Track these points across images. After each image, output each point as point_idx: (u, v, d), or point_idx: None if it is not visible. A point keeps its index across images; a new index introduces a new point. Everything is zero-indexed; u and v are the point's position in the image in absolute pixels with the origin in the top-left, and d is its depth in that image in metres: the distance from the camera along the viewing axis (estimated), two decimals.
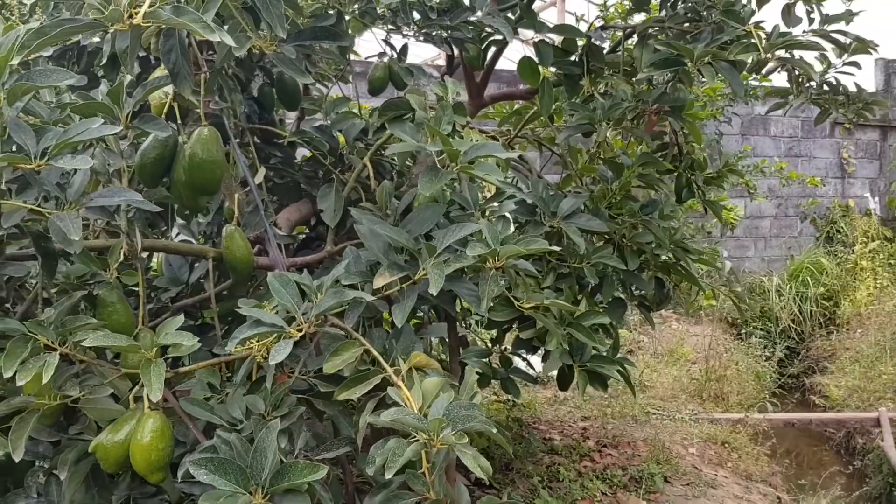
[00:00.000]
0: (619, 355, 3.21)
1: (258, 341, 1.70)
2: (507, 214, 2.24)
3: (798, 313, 7.77)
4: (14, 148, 1.48)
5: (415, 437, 1.52)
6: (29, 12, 2.40)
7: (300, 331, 1.64)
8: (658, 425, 4.73)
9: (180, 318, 1.65)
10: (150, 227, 2.71)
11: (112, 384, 1.73)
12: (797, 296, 7.90)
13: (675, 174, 3.54)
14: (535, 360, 4.45)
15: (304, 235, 3.06)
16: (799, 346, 7.58)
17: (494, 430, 1.58)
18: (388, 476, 1.44)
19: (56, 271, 1.75)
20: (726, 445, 4.48)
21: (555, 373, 2.93)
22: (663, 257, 3.23)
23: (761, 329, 7.52)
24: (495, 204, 2.20)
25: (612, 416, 4.88)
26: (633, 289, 3.39)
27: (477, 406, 1.60)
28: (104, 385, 1.67)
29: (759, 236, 9.31)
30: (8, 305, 1.95)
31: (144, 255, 2.67)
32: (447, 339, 2.65)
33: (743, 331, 7.34)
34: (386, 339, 1.89)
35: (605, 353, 2.91)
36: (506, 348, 3.35)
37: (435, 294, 1.74)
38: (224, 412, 1.73)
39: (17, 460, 1.56)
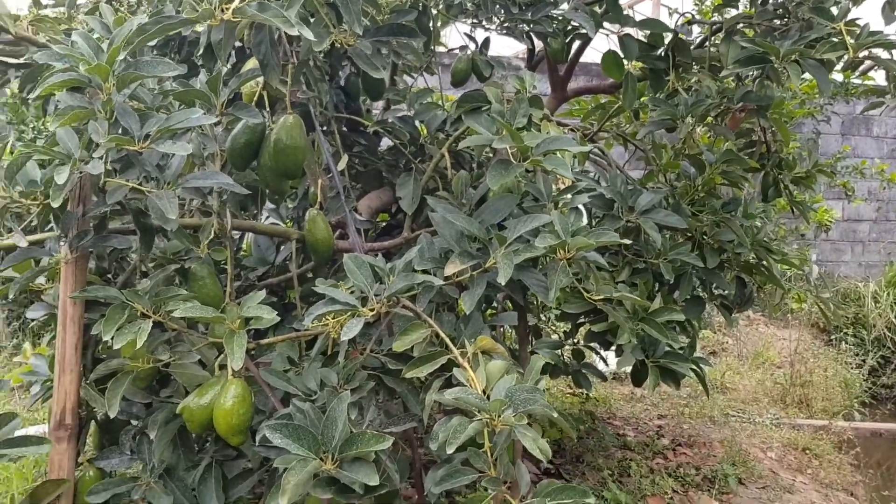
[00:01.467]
0: (698, 355, 3.19)
1: (333, 318, 1.79)
2: (581, 207, 2.27)
3: (895, 321, 7.42)
4: (120, 131, 1.62)
5: (477, 416, 1.59)
6: (136, 4, 2.57)
7: (372, 310, 1.73)
8: (736, 427, 4.65)
9: (262, 293, 1.77)
10: (242, 210, 2.87)
11: (200, 351, 1.87)
12: (895, 303, 7.55)
13: (762, 173, 3.48)
14: (611, 356, 4.45)
15: (385, 223, 3.17)
16: (894, 355, 7.24)
17: (555, 415, 1.63)
18: (450, 451, 1.50)
19: (153, 246, 1.89)
20: (807, 452, 4.36)
21: (630, 369, 2.94)
22: (746, 257, 3.18)
23: (853, 336, 7.23)
24: (568, 196, 2.23)
25: (690, 416, 4.81)
26: (714, 288, 3.35)
27: (539, 391, 1.65)
28: (192, 352, 1.80)
29: (856, 240, 8.92)
30: (110, 275, 2.12)
31: (237, 234, 2.83)
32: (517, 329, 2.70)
33: (833, 337, 7.07)
34: (455, 324, 1.96)
35: (679, 351, 2.91)
36: (578, 341, 3.37)
37: (503, 283, 1.80)
38: (300, 383, 1.84)
39: (112, 416, 1.71)
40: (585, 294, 2.17)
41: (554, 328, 4.12)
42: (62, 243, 1.76)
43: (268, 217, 3.11)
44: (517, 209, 2.19)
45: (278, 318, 1.71)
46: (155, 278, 1.80)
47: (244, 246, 3.07)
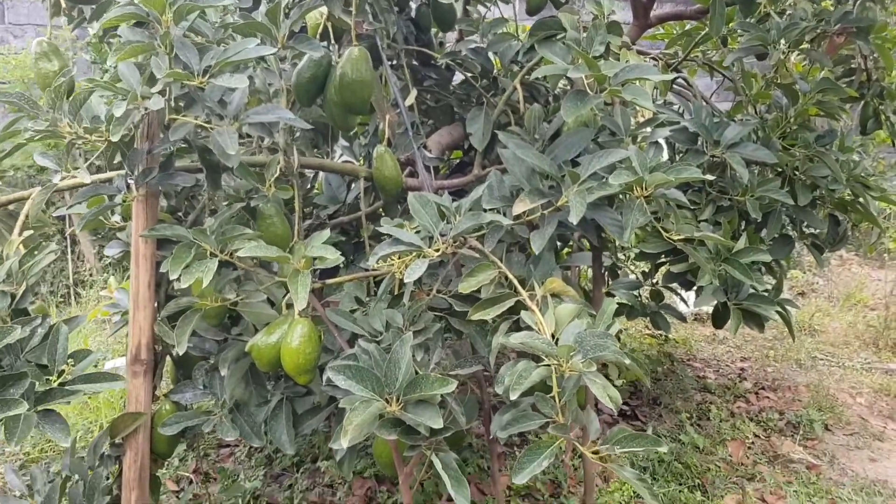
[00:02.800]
0: (785, 297, 3.04)
1: (399, 259, 1.75)
2: (661, 141, 2.14)
3: None
4: (181, 66, 1.59)
5: (545, 361, 1.53)
6: None
7: (437, 251, 1.67)
8: (824, 371, 4.46)
9: (327, 232, 1.73)
10: (314, 148, 2.85)
11: (267, 290, 1.87)
12: None
13: (862, 103, 3.23)
14: (692, 296, 4.30)
15: (458, 160, 3.10)
16: None
17: (627, 361, 1.56)
18: (513, 397, 1.46)
19: (220, 183, 1.88)
20: None
21: (711, 309, 2.84)
22: (840, 194, 2.98)
23: None
24: (648, 129, 2.11)
25: (775, 359, 4.65)
26: (804, 226, 3.17)
27: (611, 336, 1.58)
28: (259, 291, 1.80)
29: None
30: (180, 214, 2.13)
31: (310, 173, 2.81)
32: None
33: None
34: (525, 265, 1.89)
35: (764, 293, 2.77)
36: (657, 282, 3.25)
37: (575, 222, 1.71)
38: (366, 324, 1.82)
39: (181, 353, 1.73)
40: (664, 233, 2.06)
41: (634, 267, 3.99)
42: (130, 181, 1.77)
43: (341, 155, 3.08)
44: (592, 144, 2.08)
45: (342, 259, 1.67)
46: (220, 217, 1.79)
47: (317, 185, 3.06)
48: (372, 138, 2.90)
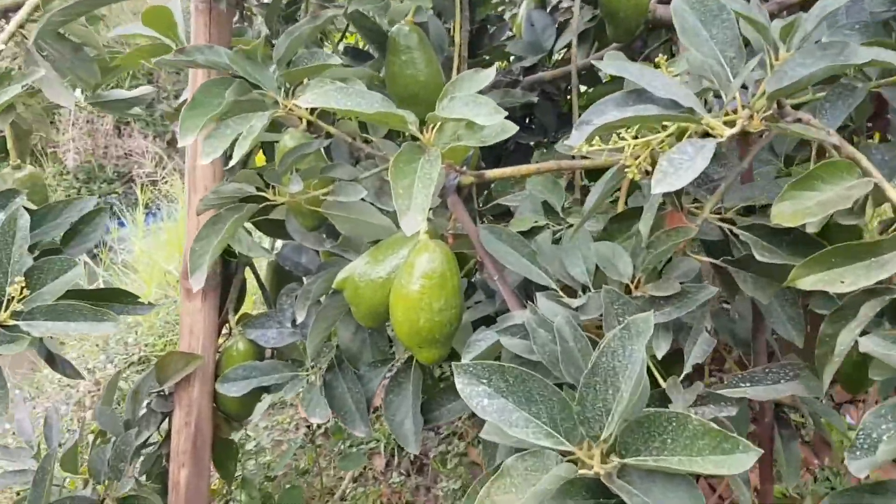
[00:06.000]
0: None
1: (635, 137, 0.83)
2: None
3: None
4: None
5: None
6: None
7: (733, 124, 0.73)
8: None
9: (488, 73, 0.84)
10: None
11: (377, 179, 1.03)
12: None
13: None
14: None
15: None
16: None
17: None
18: None
19: None
20: None
21: None
22: None
23: None
24: None
25: None
26: None
27: None
28: (357, 182, 0.96)
29: None
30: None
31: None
32: None
33: None
34: None
35: None
36: None
37: None
38: (556, 263, 0.93)
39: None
40: None
41: None
42: None
43: None
44: None
45: (513, 129, 0.78)
46: (292, 35, 0.94)
47: (514, 25, 2.15)
48: None
